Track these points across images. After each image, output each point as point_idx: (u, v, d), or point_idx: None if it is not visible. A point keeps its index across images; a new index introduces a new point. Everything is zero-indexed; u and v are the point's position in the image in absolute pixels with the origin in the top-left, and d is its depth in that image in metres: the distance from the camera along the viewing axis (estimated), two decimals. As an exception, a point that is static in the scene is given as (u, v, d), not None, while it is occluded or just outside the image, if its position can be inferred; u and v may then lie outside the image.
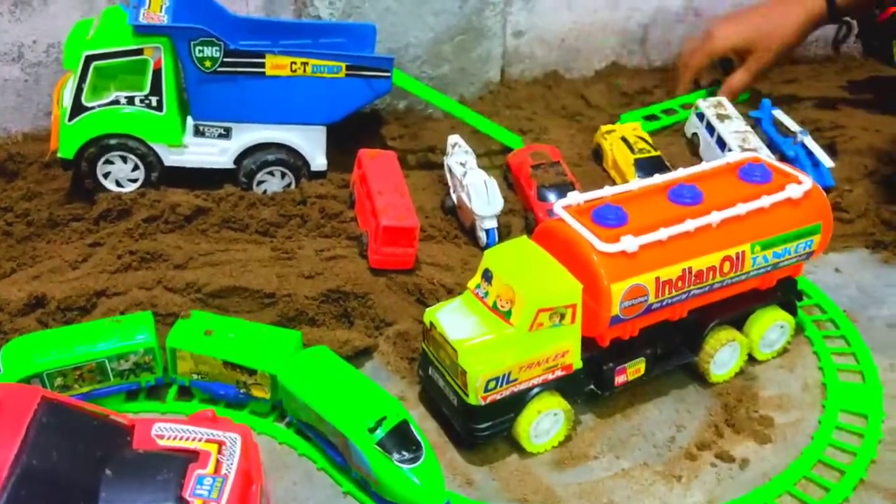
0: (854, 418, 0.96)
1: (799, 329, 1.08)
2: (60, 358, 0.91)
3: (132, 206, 1.17)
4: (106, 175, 1.19)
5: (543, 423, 0.90)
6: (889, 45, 1.67)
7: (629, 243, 0.87)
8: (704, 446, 0.93)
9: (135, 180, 1.20)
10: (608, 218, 0.91)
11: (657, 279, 0.89)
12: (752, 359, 1.03)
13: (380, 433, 0.83)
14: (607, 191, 0.97)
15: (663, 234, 0.89)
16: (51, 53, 1.33)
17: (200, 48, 1.14)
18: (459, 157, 1.26)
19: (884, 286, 1.19)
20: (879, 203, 1.31)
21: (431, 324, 0.90)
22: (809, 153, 1.35)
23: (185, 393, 0.98)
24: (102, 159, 1.17)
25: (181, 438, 0.74)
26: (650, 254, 0.89)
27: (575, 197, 0.95)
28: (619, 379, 0.94)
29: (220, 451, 0.73)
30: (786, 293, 1.04)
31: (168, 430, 0.75)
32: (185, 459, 0.71)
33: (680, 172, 1.00)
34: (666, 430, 0.95)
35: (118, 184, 1.20)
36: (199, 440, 0.74)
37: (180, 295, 1.06)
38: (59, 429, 0.69)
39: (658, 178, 0.99)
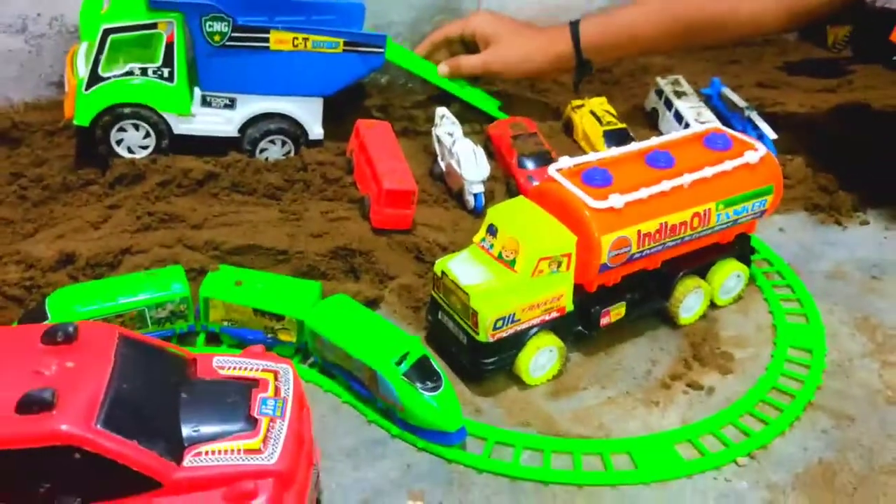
0: (801, 353, 1.12)
1: (751, 280, 1.22)
2: (104, 307, 1.00)
3: (146, 171, 1.25)
4: (119, 142, 1.26)
5: (540, 358, 1.03)
6: (823, 30, 1.85)
7: (616, 200, 1.00)
8: (676, 377, 1.07)
9: (145, 147, 1.28)
10: (596, 179, 1.04)
11: (639, 232, 1.03)
12: (712, 304, 1.18)
13: (405, 366, 0.94)
14: (593, 156, 1.10)
15: (644, 193, 1.03)
16: (53, 26, 1.39)
17: (211, 23, 1.22)
18: (447, 127, 1.37)
19: (821, 244, 1.35)
20: (816, 171, 1.47)
21: (443, 272, 1.02)
22: (755, 127, 1.50)
23: (212, 340, 1.08)
24: (116, 127, 1.25)
25: (240, 369, 0.84)
26: (633, 210, 1.02)
27: (566, 161, 1.07)
28: (604, 320, 1.08)
29: (276, 379, 0.83)
30: (742, 247, 1.18)
31: (227, 362, 0.84)
32: (249, 385, 0.81)
33: (654, 140, 1.14)
34: (643, 365, 1.09)
35: (130, 150, 1.28)
36: (257, 370, 0.84)
37: (200, 252, 1.15)
38: (137, 359, 0.78)
39: (635, 146, 1.12)
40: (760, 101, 1.66)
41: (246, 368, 0.84)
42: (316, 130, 1.35)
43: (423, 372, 0.95)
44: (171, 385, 0.79)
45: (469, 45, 1.53)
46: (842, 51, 1.91)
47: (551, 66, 1.52)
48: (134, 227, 1.17)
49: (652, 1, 1.49)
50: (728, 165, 1.09)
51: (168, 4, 1.20)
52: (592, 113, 1.49)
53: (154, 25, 1.21)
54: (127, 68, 1.22)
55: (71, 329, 0.77)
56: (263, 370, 0.84)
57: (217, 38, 1.24)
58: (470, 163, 1.30)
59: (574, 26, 1.48)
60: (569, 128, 1.54)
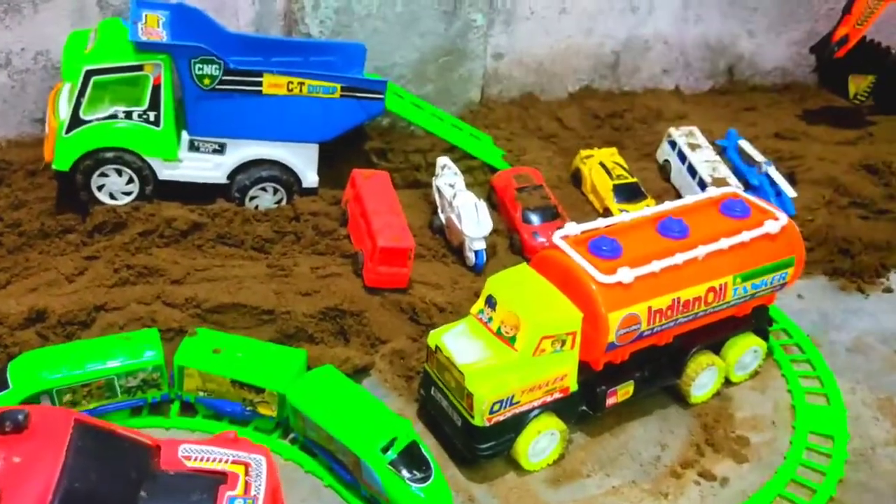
0: (822, 439, 1.04)
1: (769, 352, 1.14)
2: (70, 375, 0.92)
3: (127, 220, 1.18)
4: (100, 187, 1.20)
5: (541, 442, 0.95)
6: (845, 80, 1.78)
7: (625, 275, 0.93)
8: (687, 465, 0.99)
9: (129, 193, 1.21)
10: (604, 249, 0.96)
11: (649, 308, 0.95)
12: (727, 380, 1.10)
13: (392, 454, 0.87)
14: (601, 222, 1.02)
15: (655, 266, 0.95)
16: (38, 61, 1.32)
17: (200, 66, 1.16)
18: (448, 178, 1.30)
19: (842, 312, 1.27)
20: (836, 232, 1.39)
21: (437, 347, 0.94)
22: (773, 182, 1.43)
23: (187, 408, 1.00)
24: (97, 172, 1.18)
25: (208, 460, 0.76)
26: (643, 285, 0.95)
27: (572, 228, 1.00)
28: (611, 401, 1.00)
29: (247, 473, 0.76)
30: (759, 319, 1.11)
31: (194, 451, 0.77)
32: (215, 481, 0.74)
33: (666, 206, 1.06)
34: (651, 449, 1.01)
35: (112, 196, 1.21)
36: (226, 461, 0.76)
37: (179, 310, 1.08)
38: (94, 451, 0.71)
39: (647, 211, 1.05)
40: (779, 153, 1.59)
41: (214, 460, 0.77)
42: (310, 178, 1.28)
43: (411, 460, 0.87)
44: (130, 480, 0.72)
45: None
46: (864, 102, 1.83)
47: None
48: (111, 281, 1.10)
49: None
50: (746, 236, 1.02)
51: (156, 46, 1.13)
52: (602, 165, 1.41)
53: (140, 67, 1.14)
54: (111, 111, 1.16)
55: (21, 417, 0.70)
56: (233, 462, 0.77)
57: (207, 81, 1.17)
58: (471, 218, 1.22)
59: None
60: (577, 178, 1.46)
